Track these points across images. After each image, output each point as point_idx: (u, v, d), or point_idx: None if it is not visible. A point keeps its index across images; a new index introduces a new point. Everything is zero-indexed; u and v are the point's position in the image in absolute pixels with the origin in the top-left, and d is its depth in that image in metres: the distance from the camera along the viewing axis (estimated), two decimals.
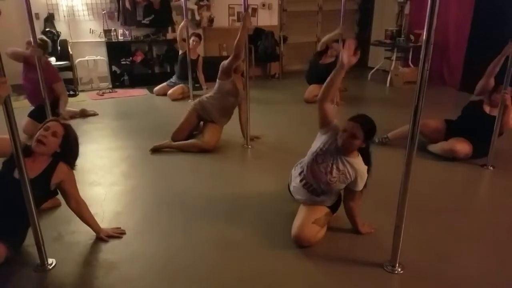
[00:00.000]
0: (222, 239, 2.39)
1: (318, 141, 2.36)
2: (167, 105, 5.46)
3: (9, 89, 1.77)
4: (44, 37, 4.26)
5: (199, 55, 5.86)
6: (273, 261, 2.18)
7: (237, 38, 3.55)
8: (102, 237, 2.31)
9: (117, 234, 2.36)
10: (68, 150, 2.28)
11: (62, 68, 6.06)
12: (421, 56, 1.68)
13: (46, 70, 3.87)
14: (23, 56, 4.09)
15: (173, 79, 5.96)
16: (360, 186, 2.26)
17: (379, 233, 2.40)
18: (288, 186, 2.59)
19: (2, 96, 1.74)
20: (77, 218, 2.33)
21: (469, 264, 2.18)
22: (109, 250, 2.26)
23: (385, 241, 2.15)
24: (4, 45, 4.32)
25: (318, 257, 2.20)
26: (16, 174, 1.99)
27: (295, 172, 2.48)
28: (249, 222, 2.56)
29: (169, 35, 6.80)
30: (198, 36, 5.79)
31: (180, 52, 5.75)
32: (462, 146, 3.48)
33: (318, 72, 5.29)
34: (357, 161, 2.25)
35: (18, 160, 1.89)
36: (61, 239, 2.35)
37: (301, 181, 2.38)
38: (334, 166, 2.23)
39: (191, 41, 5.62)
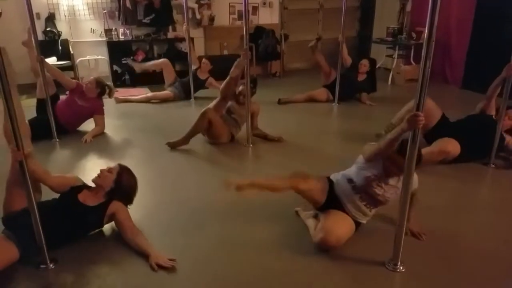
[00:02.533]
0: (225, 238, 2.39)
1: (367, 169, 2.30)
2: (169, 105, 5.45)
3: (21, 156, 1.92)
4: (103, 81, 4.36)
5: (208, 76, 5.82)
6: (274, 260, 2.18)
7: (223, 84, 3.77)
8: (152, 264, 2.12)
9: (168, 265, 2.12)
10: (122, 187, 2.42)
11: (63, 68, 6.06)
12: (423, 54, 1.68)
13: (95, 102, 4.19)
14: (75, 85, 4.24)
15: (177, 85, 5.80)
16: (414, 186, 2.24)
17: (380, 231, 2.39)
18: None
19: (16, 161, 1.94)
20: None
21: (472, 263, 2.18)
22: (111, 249, 2.27)
23: (387, 239, 2.15)
24: (6, 45, 4.32)
25: (319, 255, 2.20)
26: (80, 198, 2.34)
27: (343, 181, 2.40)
28: (251, 221, 2.57)
29: (170, 34, 6.80)
30: (209, 59, 5.82)
31: (194, 67, 5.72)
32: (453, 146, 3.32)
33: (353, 89, 5.45)
34: None
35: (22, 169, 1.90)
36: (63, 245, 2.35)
37: (356, 193, 2.33)
38: (388, 186, 2.25)
39: (202, 62, 5.69)
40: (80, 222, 2.31)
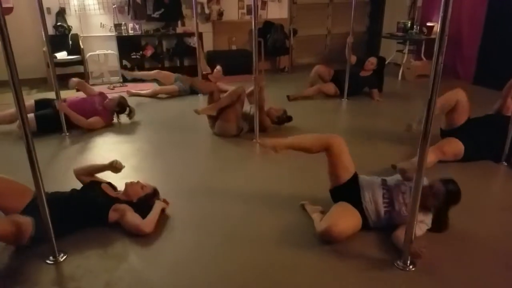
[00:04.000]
0: (230, 233, 2.39)
1: (406, 185, 2.34)
2: (176, 99, 5.46)
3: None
4: (126, 102, 4.44)
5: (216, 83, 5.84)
6: (280, 255, 2.18)
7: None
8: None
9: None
10: (142, 206, 2.45)
11: (73, 62, 6.11)
12: (435, 49, 1.65)
13: (107, 112, 4.31)
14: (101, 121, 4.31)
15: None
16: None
17: (389, 230, 2.37)
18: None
19: None
20: None
21: (481, 262, 2.15)
22: (119, 244, 2.28)
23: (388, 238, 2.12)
24: (17, 39, 4.35)
25: (327, 254, 2.19)
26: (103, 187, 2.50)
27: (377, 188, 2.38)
28: (257, 216, 2.57)
29: (179, 29, 6.79)
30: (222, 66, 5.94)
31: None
32: (452, 148, 3.27)
33: (358, 85, 5.41)
34: None
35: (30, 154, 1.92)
36: (72, 231, 2.37)
37: (382, 188, 2.36)
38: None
39: (216, 69, 5.82)
40: (91, 202, 2.38)
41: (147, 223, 2.33)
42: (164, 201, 2.58)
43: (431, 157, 3.10)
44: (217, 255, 2.20)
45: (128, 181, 2.55)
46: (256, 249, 2.24)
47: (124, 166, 2.57)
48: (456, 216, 2.46)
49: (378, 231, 2.35)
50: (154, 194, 2.55)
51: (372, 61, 5.41)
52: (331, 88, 5.45)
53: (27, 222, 2.14)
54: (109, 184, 2.61)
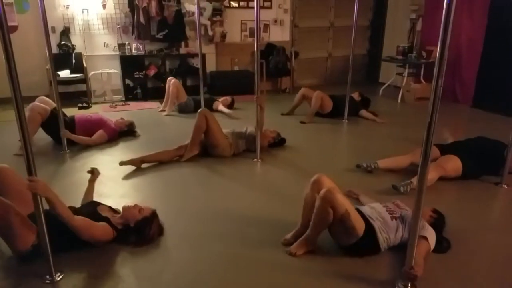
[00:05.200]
0: (231, 253, 2.36)
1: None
2: (178, 119, 5.49)
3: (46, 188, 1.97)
4: (135, 126, 4.71)
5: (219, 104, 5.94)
6: (281, 277, 2.15)
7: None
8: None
9: None
10: (138, 231, 2.39)
11: (76, 81, 6.17)
12: (435, 72, 1.66)
13: (114, 130, 4.42)
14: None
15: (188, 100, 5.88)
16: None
17: (390, 251, 2.34)
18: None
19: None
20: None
21: (486, 283, 2.12)
22: (117, 263, 2.25)
23: (397, 258, 2.10)
24: (21, 57, 4.42)
25: (325, 274, 2.16)
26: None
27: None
28: (259, 236, 2.54)
29: (182, 50, 6.90)
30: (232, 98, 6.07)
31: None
32: (451, 165, 3.33)
33: (354, 109, 5.49)
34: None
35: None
36: (70, 251, 2.33)
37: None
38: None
39: (225, 99, 5.95)
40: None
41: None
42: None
43: (432, 174, 3.13)
44: (217, 276, 2.16)
45: (126, 204, 2.49)
46: (257, 271, 2.21)
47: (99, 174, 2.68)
48: (456, 239, 2.44)
49: (379, 255, 2.32)
50: (152, 217, 2.48)
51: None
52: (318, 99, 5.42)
53: (33, 226, 2.13)
54: (110, 207, 2.56)
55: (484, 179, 3.44)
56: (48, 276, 2.09)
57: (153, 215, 2.49)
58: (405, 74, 6.81)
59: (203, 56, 6.25)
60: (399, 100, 6.60)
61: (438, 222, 2.46)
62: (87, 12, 6.28)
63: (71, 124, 4.21)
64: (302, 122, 5.28)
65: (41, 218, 2.00)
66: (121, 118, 4.66)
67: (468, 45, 6.21)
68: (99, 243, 2.30)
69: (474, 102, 6.16)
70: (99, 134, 4.30)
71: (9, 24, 1.79)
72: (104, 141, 4.32)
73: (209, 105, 5.61)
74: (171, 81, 5.75)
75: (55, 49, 6.04)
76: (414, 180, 3.23)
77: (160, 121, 5.38)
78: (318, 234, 2.29)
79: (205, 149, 3.98)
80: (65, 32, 6.24)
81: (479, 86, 6.13)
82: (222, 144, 3.92)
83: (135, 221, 2.39)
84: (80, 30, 6.33)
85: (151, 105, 6.17)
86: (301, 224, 2.43)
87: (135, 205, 2.46)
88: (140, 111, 5.87)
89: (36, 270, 2.13)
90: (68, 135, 4.06)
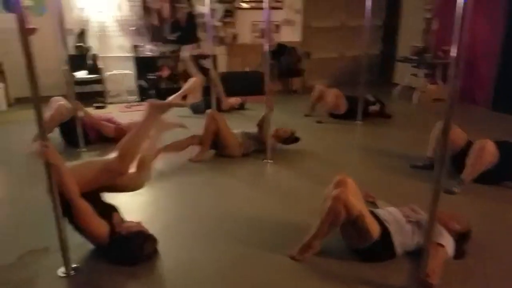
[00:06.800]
0: (238, 254, 2.37)
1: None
2: (191, 120, 5.52)
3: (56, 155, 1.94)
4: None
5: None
6: (291, 282, 2.14)
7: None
8: None
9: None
10: (121, 245, 2.20)
11: (92, 81, 6.27)
12: (451, 73, 1.64)
13: (121, 128, 4.36)
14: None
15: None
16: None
17: (406, 256, 2.31)
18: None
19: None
20: None
21: None
22: None
23: (413, 264, 2.07)
24: (39, 59, 4.49)
25: (335, 277, 2.15)
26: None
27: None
28: (269, 240, 2.54)
29: (195, 51, 6.93)
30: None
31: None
32: (490, 145, 3.19)
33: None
34: None
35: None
36: (85, 245, 2.36)
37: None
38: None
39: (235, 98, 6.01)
40: None
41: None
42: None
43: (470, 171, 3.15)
44: (223, 276, 2.17)
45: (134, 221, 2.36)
46: (266, 276, 2.21)
47: None
48: (477, 242, 2.40)
49: (393, 260, 2.29)
50: (149, 236, 2.29)
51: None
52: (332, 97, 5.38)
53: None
54: (122, 219, 2.39)
55: (503, 184, 3.34)
56: (63, 270, 2.14)
57: (150, 236, 2.32)
58: (420, 74, 6.73)
59: (215, 58, 6.28)
60: (414, 101, 6.52)
61: (464, 238, 2.34)
62: (102, 14, 6.37)
63: (85, 122, 4.29)
64: (318, 122, 5.27)
65: (57, 213, 2.03)
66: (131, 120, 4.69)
67: (485, 45, 6.07)
68: (91, 236, 2.18)
69: (493, 105, 5.98)
70: (108, 125, 4.41)
71: (28, 26, 1.83)
72: (110, 133, 4.35)
73: (220, 106, 5.64)
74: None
75: (71, 51, 6.14)
76: (465, 176, 3.22)
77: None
78: (324, 236, 2.23)
79: (215, 146, 4.01)
80: (81, 34, 6.34)
81: (498, 88, 5.95)
82: (232, 144, 3.94)
83: (129, 231, 2.23)
84: (96, 32, 6.42)
85: None
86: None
87: (139, 222, 2.36)
88: None
89: (52, 264, 2.18)
90: (82, 108, 4.19)
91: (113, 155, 2.30)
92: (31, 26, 5.82)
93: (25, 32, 1.77)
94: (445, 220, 2.28)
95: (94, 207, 2.17)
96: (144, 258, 2.23)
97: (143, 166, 2.54)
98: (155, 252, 2.29)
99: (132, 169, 2.44)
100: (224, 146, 3.95)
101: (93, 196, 2.24)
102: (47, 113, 4.07)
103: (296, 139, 4.23)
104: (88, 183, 2.20)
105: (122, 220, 2.35)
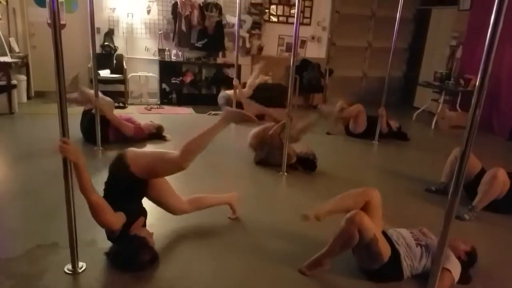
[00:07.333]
0: (248, 267, 2.36)
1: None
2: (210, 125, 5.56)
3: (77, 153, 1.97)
4: (163, 130, 4.85)
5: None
6: None
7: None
8: None
9: None
10: (120, 250, 2.23)
11: (115, 81, 6.41)
12: (473, 102, 1.62)
13: (141, 129, 4.57)
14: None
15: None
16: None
17: (412, 279, 2.28)
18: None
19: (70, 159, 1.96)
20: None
21: None
22: None
23: (416, 286, 2.04)
24: (66, 54, 4.63)
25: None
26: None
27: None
28: (274, 252, 2.53)
29: (219, 60, 7.03)
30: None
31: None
32: (501, 173, 3.16)
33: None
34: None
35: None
36: (94, 244, 2.41)
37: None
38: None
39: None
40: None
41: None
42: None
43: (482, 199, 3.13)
44: (237, 284, 2.17)
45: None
46: (273, 281, 2.20)
47: None
48: (491, 270, 2.35)
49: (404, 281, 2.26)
50: (148, 244, 2.27)
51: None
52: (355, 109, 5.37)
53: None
54: (144, 228, 2.43)
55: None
56: (70, 267, 2.14)
57: (150, 247, 2.28)
58: (441, 100, 6.66)
59: (239, 68, 6.35)
60: (432, 127, 6.45)
61: (470, 261, 2.33)
62: (132, 16, 6.53)
63: (106, 121, 4.33)
64: (328, 133, 5.34)
65: (70, 209, 2.05)
66: (151, 121, 4.79)
67: (508, 75, 6.01)
68: (102, 224, 2.16)
69: (510, 134, 5.97)
70: (128, 124, 4.48)
71: (61, 22, 1.90)
72: (128, 132, 4.41)
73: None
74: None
75: (98, 49, 6.30)
76: (476, 203, 3.18)
77: (192, 127, 5.46)
78: (335, 256, 2.23)
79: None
80: (109, 34, 6.51)
81: None
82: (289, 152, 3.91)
83: (136, 234, 2.25)
84: (123, 33, 6.59)
85: (184, 111, 6.30)
86: None
87: (151, 233, 2.38)
88: (173, 116, 6.01)
89: (59, 259, 2.20)
90: (99, 104, 4.16)
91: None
92: (61, 22, 6.03)
93: (59, 27, 1.83)
94: (450, 240, 2.24)
95: (129, 202, 2.26)
96: (137, 265, 2.17)
97: (197, 206, 2.72)
98: (150, 263, 2.22)
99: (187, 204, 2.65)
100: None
101: (138, 193, 2.35)
102: (73, 95, 4.30)
103: (312, 163, 3.98)
104: (146, 166, 2.26)
105: (143, 225, 2.39)
